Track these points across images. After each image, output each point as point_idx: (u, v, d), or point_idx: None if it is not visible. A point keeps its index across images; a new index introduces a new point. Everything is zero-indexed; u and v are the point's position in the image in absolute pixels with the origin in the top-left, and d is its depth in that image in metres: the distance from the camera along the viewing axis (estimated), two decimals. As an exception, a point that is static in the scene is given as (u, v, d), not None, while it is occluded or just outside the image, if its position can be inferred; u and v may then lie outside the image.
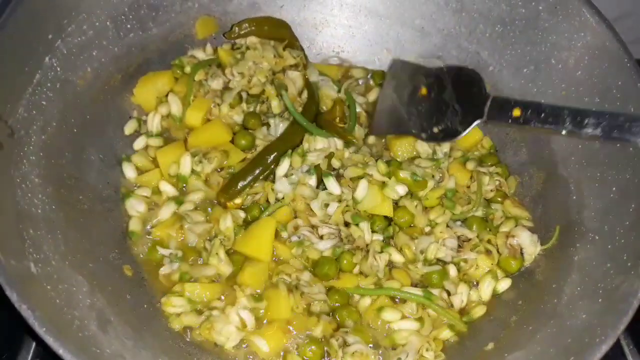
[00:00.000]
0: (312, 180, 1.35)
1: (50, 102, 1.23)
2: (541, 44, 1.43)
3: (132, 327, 1.14)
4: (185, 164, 1.38)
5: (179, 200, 1.36)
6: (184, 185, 1.39)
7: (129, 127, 1.43)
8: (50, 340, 0.91)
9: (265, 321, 1.24)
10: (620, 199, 1.22)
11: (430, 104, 1.35)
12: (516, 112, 1.18)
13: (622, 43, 1.30)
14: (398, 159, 1.45)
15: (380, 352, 1.23)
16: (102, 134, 1.38)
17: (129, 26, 1.42)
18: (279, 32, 1.56)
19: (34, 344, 1.28)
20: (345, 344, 1.21)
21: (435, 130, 1.32)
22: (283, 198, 1.35)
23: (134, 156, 1.41)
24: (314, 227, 1.33)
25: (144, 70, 1.47)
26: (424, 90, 1.36)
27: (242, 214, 1.35)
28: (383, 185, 1.36)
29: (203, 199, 1.38)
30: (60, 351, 0.90)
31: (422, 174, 1.38)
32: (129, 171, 1.39)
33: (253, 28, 1.54)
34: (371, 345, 1.24)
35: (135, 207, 1.34)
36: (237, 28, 1.54)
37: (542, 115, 1.15)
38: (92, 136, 1.35)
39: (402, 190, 1.36)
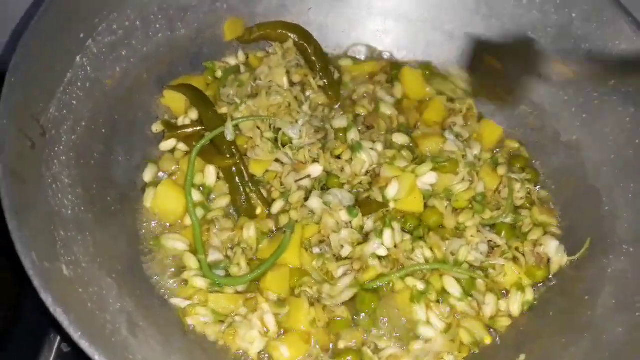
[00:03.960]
0: (344, 216, 1.31)
1: (80, 102, 1.22)
2: (573, 52, 1.42)
3: (160, 331, 1.13)
4: (210, 175, 1.36)
5: (205, 207, 1.35)
6: (209, 194, 1.37)
7: (157, 126, 1.42)
8: (85, 345, 0.90)
9: (282, 331, 1.23)
10: (655, 210, 1.21)
11: None
12: None
13: (658, 51, 1.28)
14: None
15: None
16: (129, 134, 1.37)
17: (157, 26, 1.41)
18: (294, 34, 1.53)
19: (57, 342, 1.28)
20: (377, 349, 1.20)
21: None
22: (314, 215, 1.32)
23: (161, 161, 1.39)
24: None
25: (172, 71, 1.46)
26: None
27: (271, 224, 1.33)
28: (413, 174, 1.36)
29: (230, 205, 1.36)
30: (96, 357, 0.89)
31: (445, 158, 1.39)
32: (148, 174, 1.37)
33: (266, 31, 1.52)
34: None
35: (174, 245, 1.29)
36: (248, 32, 1.53)
37: None
38: (120, 137, 1.34)
39: (432, 178, 1.36)
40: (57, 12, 1.17)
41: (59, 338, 1.29)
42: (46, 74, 1.15)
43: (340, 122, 1.44)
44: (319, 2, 1.58)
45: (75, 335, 0.90)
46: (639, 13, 1.33)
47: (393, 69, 1.61)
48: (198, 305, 1.22)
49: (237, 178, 1.34)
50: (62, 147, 1.16)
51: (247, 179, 1.35)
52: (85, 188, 1.20)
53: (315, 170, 1.37)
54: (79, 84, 1.23)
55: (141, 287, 1.20)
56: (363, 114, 1.50)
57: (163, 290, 1.25)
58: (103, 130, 1.29)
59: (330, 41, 1.61)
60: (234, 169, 1.34)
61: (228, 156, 1.34)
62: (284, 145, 1.39)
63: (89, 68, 1.25)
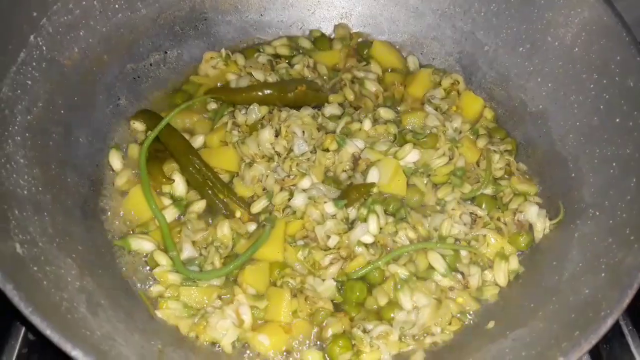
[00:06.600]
0: (330, 208, 1.29)
1: (35, 82, 1.19)
2: (537, 22, 1.41)
3: (124, 310, 1.11)
4: (178, 185, 1.32)
5: (179, 206, 1.31)
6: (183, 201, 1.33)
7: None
8: (37, 321, 0.87)
9: (261, 322, 1.19)
10: (620, 174, 1.20)
11: None
12: None
13: (620, 17, 1.28)
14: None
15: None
16: (90, 115, 1.34)
17: (116, 6, 1.38)
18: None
19: (23, 330, 1.23)
20: (365, 331, 1.18)
21: None
22: (295, 213, 1.30)
23: (131, 145, 1.38)
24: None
25: (133, 53, 1.44)
26: None
27: (251, 227, 1.29)
28: (395, 157, 1.35)
29: (206, 209, 1.32)
30: (48, 332, 0.87)
31: (425, 133, 1.39)
32: (116, 161, 1.34)
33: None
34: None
35: (142, 245, 1.25)
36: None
37: None
38: (80, 117, 1.31)
39: (414, 156, 1.36)
40: (6, -11, 1.14)
41: (24, 328, 1.26)
42: (-3, 52, 1.12)
43: (331, 109, 1.45)
44: (282, -20, 1.57)
45: (26, 311, 0.87)
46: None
47: (362, 49, 1.59)
48: (169, 299, 1.18)
49: (205, 186, 1.31)
50: (16, 127, 1.13)
51: (219, 185, 1.31)
52: (43, 169, 1.17)
53: (305, 184, 1.33)
54: (34, 63, 1.20)
55: (104, 267, 1.18)
56: (352, 98, 1.49)
57: (130, 279, 1.22)
58: (61, 111, 1.26)
59: (295, 19, 1.60)
60: (198, 177, 1.31)
61: (164, 179, 1.32)
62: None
63: (44, 48, 1.22)
